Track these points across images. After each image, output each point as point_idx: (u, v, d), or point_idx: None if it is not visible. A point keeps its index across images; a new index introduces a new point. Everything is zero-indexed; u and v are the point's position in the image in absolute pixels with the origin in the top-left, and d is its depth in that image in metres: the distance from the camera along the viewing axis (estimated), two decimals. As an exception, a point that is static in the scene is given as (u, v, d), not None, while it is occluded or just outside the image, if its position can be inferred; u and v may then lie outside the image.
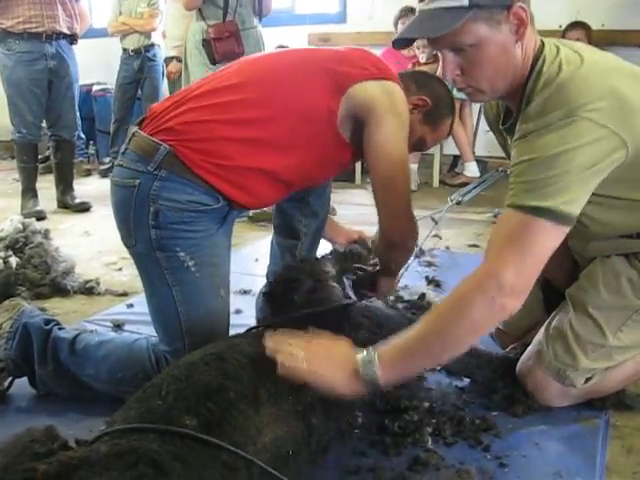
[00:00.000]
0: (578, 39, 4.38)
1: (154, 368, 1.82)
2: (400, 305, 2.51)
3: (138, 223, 1.78)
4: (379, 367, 1.44)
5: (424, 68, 5.42)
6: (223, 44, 4.16)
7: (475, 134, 5.68)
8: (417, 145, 2.10)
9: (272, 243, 2.39)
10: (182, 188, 1.76)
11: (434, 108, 2.04)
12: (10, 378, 1.96)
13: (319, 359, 1.47)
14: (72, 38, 4.63)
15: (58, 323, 2.03)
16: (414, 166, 5.31)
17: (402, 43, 1.68)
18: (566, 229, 1.49)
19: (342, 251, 2.19)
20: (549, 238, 1.48)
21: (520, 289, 1.46)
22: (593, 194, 1.52)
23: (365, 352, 1.47)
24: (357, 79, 1.84)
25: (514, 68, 1.57)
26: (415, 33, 1.63)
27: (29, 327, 1.95)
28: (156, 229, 1.76)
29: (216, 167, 1.76)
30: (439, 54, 1.65)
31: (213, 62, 4.10)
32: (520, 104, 1.61)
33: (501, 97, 1.69)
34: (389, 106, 1.84)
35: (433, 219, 3.66)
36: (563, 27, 5.02)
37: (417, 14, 1.59)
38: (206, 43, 4.14)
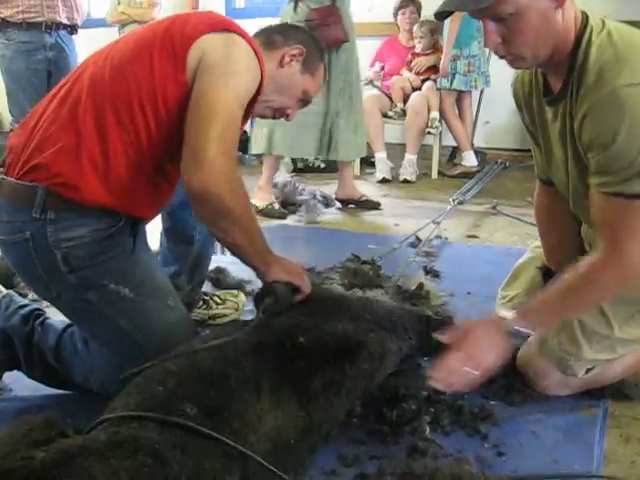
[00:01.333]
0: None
1: None
2: (399, 295, 2.50)
3: (51, 274, 1.68)
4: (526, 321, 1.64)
5: (422, 59, 5.42)
6: (329, 31, 3.90)
7: (474, 125, 5.67)
8: (303, 98, 2.02)
9: (162, 246, 2.33)
10: (78, 222, 1.67)
11: (309, 55, 1.97)
12: None
13: (481, 356, 1.61)
14: (72, 28, 4.61)
15: (37, 313, 1.95)
16: (413, 157, 5.30)
17: (444, 16, 1.67)
18: None
19: (353, 268, 2.19)
20: None
21: None
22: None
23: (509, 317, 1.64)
24: (196, 37, 1.70)
25: (555, 35, 1.56)
26: (458, 5, 1.63)
27: (8, 331, 1.90)
28: (73, 273, 1.67)
29: (101, 188, 1.67)
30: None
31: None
32: (570, 74, 1.60)
33: (543, 65, 1.68)
34: (221, 57, 1.68)
35: (436, 222, 3.67)
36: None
37: None
38: (309, 29, 3.75)
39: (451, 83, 5.29)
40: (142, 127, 1.68)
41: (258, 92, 1.78)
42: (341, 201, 4.41)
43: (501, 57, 1.64)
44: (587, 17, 1.60)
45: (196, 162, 1.57)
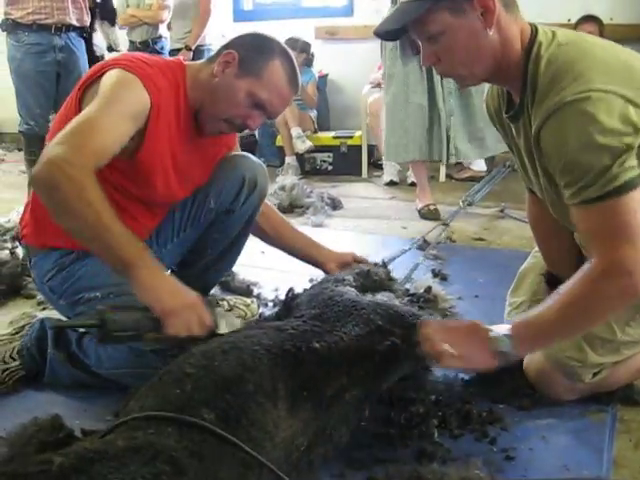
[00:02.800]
0: (590, 33, 4.36)
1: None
2: (406, 298, 2.50)
3: (55, 303, 2.08)
4: (516, 345, 1.57)
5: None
6: None
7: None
8: (255, 104, 1.95)
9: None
10: (43, 261, 2.02)
11: (245, 57, 1.92)
12: (22, 373, 1.99)
13: (463, 346, 1.59)
14: (82, 30, 4.62)
15: None
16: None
17: (384, 37, 1.78)
18: None
19: (366, 270, 2.18)
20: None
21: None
22: None
23: (499, 332, 1.59)
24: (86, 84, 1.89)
25: (492, 52, 1.60)
26: (385, 25, 1.69)
27: (45, 321, 2.06)
28: (61, 298, 2.01)
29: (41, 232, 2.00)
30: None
31: (416, 52, 3.92)
32: (524, 89, 1.63)
33: (494, 81, 1.75)
34: (97, 92, 1.81)
35: (446, 224, 3.66)
36: (573, 21, 5.00)
37: (396, 7, 1.68)
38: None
39: None
40: None
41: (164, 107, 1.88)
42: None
43: (444, 76, 1.75)
44: (537, 31, 1.63)
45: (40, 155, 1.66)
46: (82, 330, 1.92)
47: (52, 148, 1.66)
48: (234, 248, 2.33)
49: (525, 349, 1.64)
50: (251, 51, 1.94)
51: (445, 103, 4.01)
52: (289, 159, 5.81)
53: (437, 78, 3.95)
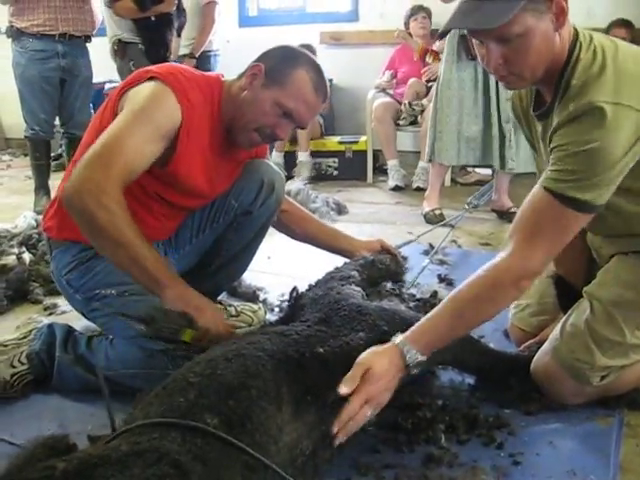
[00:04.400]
0: (622, 38, 4.36)
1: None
2: (412, 303, 2.50)
3: (71, 297, 2.10)
4: (419, 351, 1.58)
5: (434, 67, 5.41)
6: None
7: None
8: (283, 113, 1.99)
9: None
10: (65, 252, 2.06)
11: (271, 68, 1.98)
12: (30, 377, 2.00)
13: (380, 397, 1.55)
14: (86, 37, 4.64)
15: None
16: (427, 165, 5.28)
17: (445, 35, 1.75)
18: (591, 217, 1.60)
19: (370, 260, 2.19)
20: (579, 226, 1.63)
21: (541, 273, 1.67)
22: (618, 187, 1.59)
23: (403, 349, 1.58)
24: (127, 87, 1.94)
25: (553, 55, 1.61)
26: (468, 24, 1.63)
27: (54, 326, 2.10)
28: (77, 292, 2.05)
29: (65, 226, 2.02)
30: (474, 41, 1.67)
31: (471, 58, 3.86)
32: (557, 89, 1.65)
33: (537, 83, 1.72)
34: (130, 101, 1.88)
35: (451, 225, 3.66)
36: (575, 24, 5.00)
37: (462, 3, 1.59)
38: (462, 38, 3.81)
39: None
40: None
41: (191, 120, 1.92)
42: (495, 211, 4.34)
43: (500, 78, 1.68)
44: (577, 33, 1.64)
45: (70, 176, 1.76)
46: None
47: (82, 169, 1.72)
48: (247, 252, 2.36)
49: (424, 347, 1.61)
50: (277, 62, 1.99)
51: (501, 111, 4.00)
52: (302, 156, 5.80)
53: (492, 84, 3.93)
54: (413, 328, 1.63)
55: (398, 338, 1.61)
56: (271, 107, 1.97)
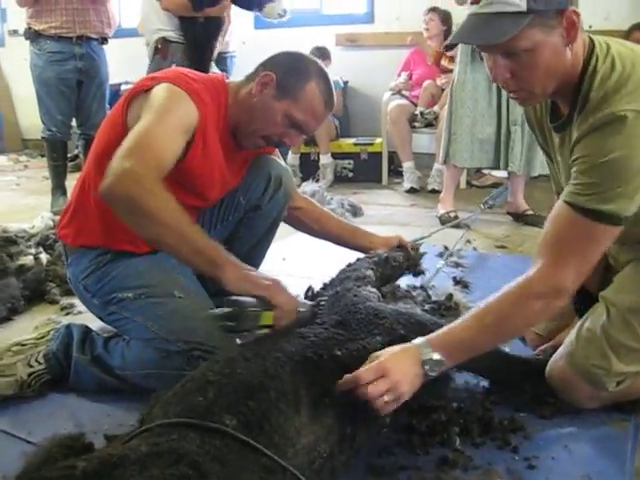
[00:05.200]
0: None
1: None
2: (427, 306, 2.50)
3: (87, 302, 2.13)
4: (443, 361, 1.56)
5: (451, 65, 5.40)
6: None
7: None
8: (292, 124, 2.02)
9: None
10: (81, 257, 2.07)
11: (283, 79, 1.98)
12: (47, 377, 2.02)
13: (395, 372, 1.49)
14: (103, 39, 4.67)
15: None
16: (442, 167, 5.27)
17: (450, 46, 1.72)
18: (621, 229, 1.57)
19: (384, 257, 2.19)
20: (609, 241, 1.59)
21: (573, 291, 1.61)
22: None
23: (422, 349, 1.56)
24: (134, 94, 1.97)
25: (564, 69, 1.60)
26: (474, 39, 1.66)
27: (72, 327, 2.12)
28: (95, 297, 2.07)
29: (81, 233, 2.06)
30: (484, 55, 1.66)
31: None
32: (575, 103, 1.64)
33: (550, 96, 1.71)
34: (147, 107, 1.88)
35: (466, 225, 3.66)
36: (594, 27, 4.98)
37: (470, 17, 1.59)
38: None
39: None
40: None
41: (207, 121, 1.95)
42: (510, 214, 4.33)
43: (511, 93, 1.68)
44: (593, 44, 1.63)
45: (106, 174, 1.71)
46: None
47: (119, 163, 1.71)
48: (259, 249, 2.38)
49: (451, 365, 1.62)
50: (288, 73, 2.00)
51: (510, 113, 3.99)
52: (324, 158, 5.80)
53: None
54: (436, 334, 1.61)
55: (418, 340, 1.59)
56: (281, 118, 1.99)
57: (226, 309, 1.61)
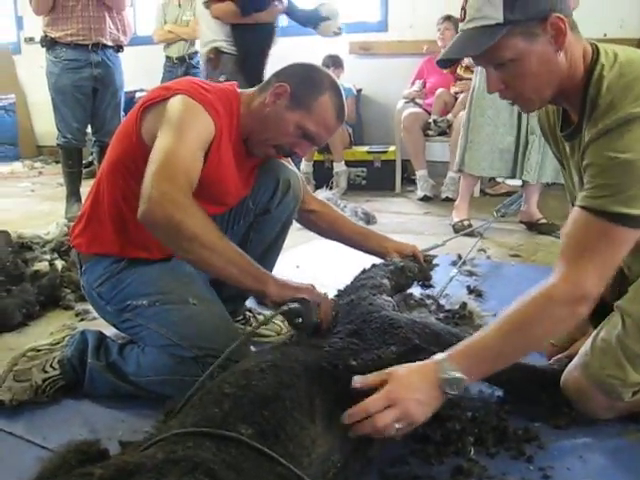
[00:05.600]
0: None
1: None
2: (441, 315, 2.49)
3: (102, 309, 2.14)
4: (464, 379, 1.51)
5: (468, 74, 5.40)
6: None
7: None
8: (304, 135, 2.05)
9: None
10: (95, 265, 2.08)
11: (297, 90, 2.01)
12: (62, 383, 2.02)
13: (405, 399, 1.46)
14: (118, 47, 4.71)
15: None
16: (456, 175, 5.27)
17: (445, 64, 1.76)
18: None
19: (400, 266, 2.19)
20: (628, 244, 1.57)
21: (596, 296, 1.56)
22: None
23: (441, 365, 1.52)
24: (148, 104, 1.97)
25: (559, 75, 1.61)
26: (455, 53, 1.68)
27: (87, 333, 2.12)
28: (109, 304, 2.07)
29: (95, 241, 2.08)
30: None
31: None
32: (583, 109, 1.64)
33: (556, 102, 1.73)
34: (165, 121, 1.88)
35: (479, 233, 3.65)
36: (609, 36, 4.98)
37: (458, 34, 1.65)
38: None
39: None
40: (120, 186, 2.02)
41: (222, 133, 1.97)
42: (523, 223, 4.32)
43: (512, 102, 1.71)
44: (598, 51, 1.64)
45: (142, 198, 1.75)
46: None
47: (153, 187, 1.74)
48: (270, 254, 2.40)
49: (474, 380, 1.60)
50: (302, 84, 2.03)
51: (529, 122, 3.98)
52: (338, 166, 5.81)
53: None
54: (457, 348, 1.57)
55: (439, 356, 1.56)
56: (294, 129, 2.02)
57: (291, 305, 1.75)
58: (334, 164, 5.76)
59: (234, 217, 2.27)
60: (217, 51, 4.30)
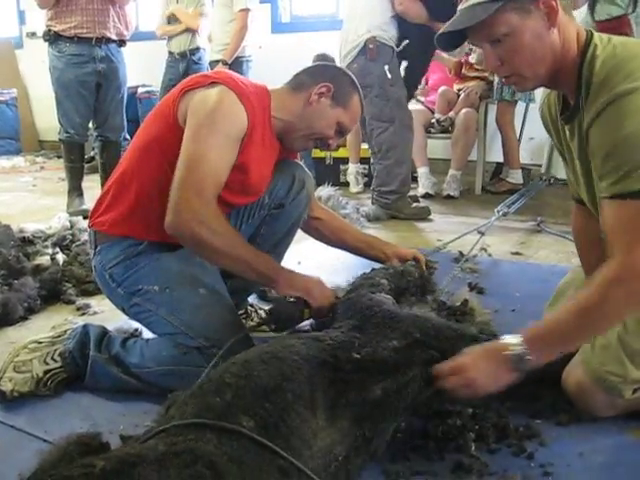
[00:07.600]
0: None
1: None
2: (443, 312, 2.49)
3: (111, 292, 2.13)
4: (533, 358, 1.56)
5: (473, 87, 5.40)
6: None
7: (519, 142, 5.61)
8: (339, 129, 2.24)
9: None
10: (112, 246, 2.10)
11: (338, 89, 2.19)
12: (63, 375, 2.03)
13: (482, 373, 1.58)
14: (121, 42, 4.70)
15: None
16: (457, 173, 5.27)
17: (444, 42, 1.77)
18: None
19: (400, 270, 2.20)
20: None
21: None
22: None
23: (513, 342, 1.57)
24: (187, 89, 2.04)
25: (553, 52, 1.65)
26: (453, 27, 1.70)
27: (88, 327, 2.13)
28: (120, 287, 2.08)
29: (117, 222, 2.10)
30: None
31: None
32: (579, 89, 1.67)
33: (552, 85, 1.77)
34: (198, 109, 1.97)
35: (480, 232, 3.65)
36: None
37: (457, 14, 1.69)
38: None
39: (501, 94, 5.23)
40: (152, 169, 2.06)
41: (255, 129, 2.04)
42: None
43: (505, 80, 1.74)
44: (592, 35, 1.68)
45: (169, 207, 1.88)
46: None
47: (179, 196, 1.87)
48: (278, 250, 2.41)
49: (540, 359, 1.60)
50: (341, 85, 2.22)
51: None
52: (354, 166, 5.81)
53: None
54: (529, 329, 1.61)
55: (509, 336, 1.61)
56: (334, 124, 2.21)
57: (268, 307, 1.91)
58: (350, 165, 5.78)
59: (250, 209, 2.30)
60: (375, 40, 4.34)
